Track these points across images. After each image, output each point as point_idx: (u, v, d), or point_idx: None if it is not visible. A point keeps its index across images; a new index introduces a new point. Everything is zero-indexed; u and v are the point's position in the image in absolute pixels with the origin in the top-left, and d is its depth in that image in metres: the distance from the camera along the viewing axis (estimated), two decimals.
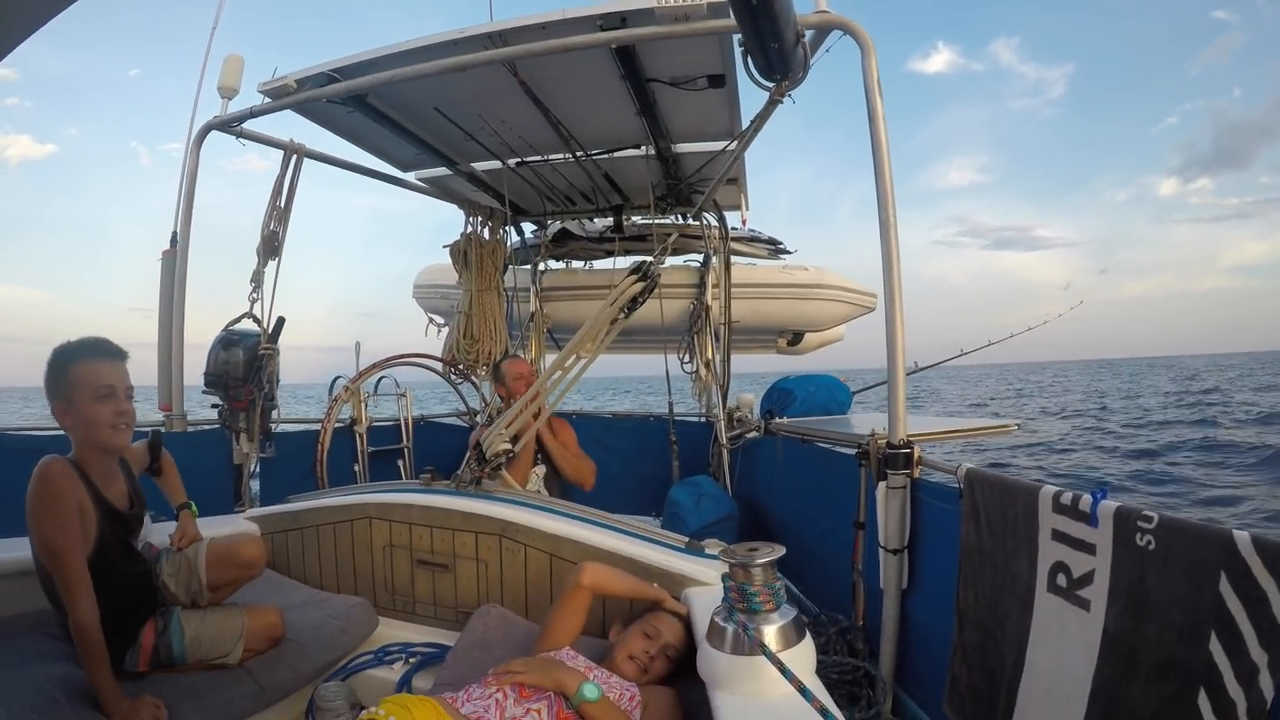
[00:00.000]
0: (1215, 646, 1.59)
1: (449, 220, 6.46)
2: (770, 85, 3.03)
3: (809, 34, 3.10)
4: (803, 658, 1.82)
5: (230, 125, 4.33)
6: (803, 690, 1.46)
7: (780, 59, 2.46)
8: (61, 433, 2.42)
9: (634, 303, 3.38)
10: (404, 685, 2.77)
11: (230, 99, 4.34)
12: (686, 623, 2.45)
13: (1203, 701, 1.61)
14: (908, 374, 3.05)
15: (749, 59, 2.58)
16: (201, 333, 4.60)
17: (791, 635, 1.81)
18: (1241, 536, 1.56)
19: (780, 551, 1.85)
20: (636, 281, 3.33)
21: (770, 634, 1.77)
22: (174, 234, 4.46)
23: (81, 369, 2.35)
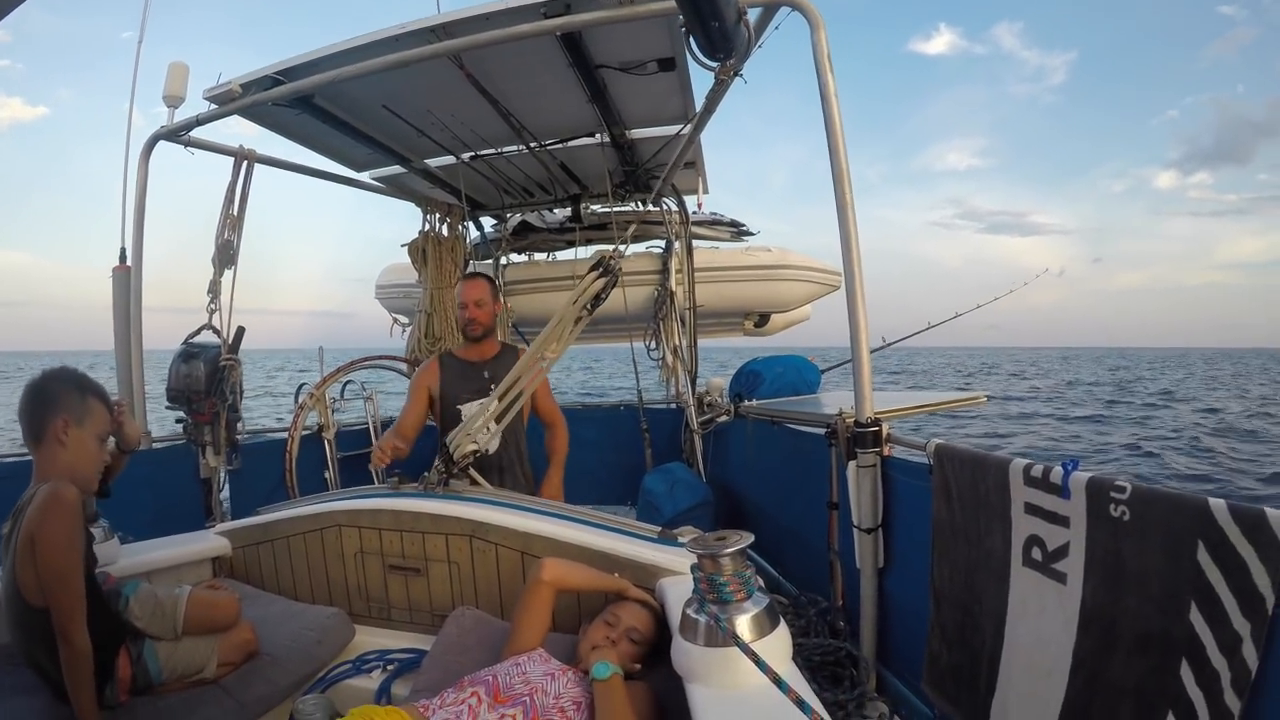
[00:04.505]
0: (1196, 617, 1.58)
1: None
2: (714, 65, 3.00)
3: (754, 12, 3.06)
4: (778, 645, 1.79)
5: (177, 134, 4.24)
6: (778, 681, 1.44)
7: (722, 38, 2.43)
8: (18, 460, 2.38)
9: (597, 299, 3.33)
10: (383, 693, 2.74)
11: (176, 108, 4.24)
12: (650, 607, 2.45)
13: (1185, 673, 1.60)
14: (875, 350, 3.04)
15: (692, 39, 2.55)
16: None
17: (765, 624, 1.79)
18: (1218, 504, 1.54)
19: (749, 539, 1.83)
20: (599, 278, 3.29)
21: (743, 624, 1.75)
22: (122, 250, 4.37)
23: (98, 406, 2.38)
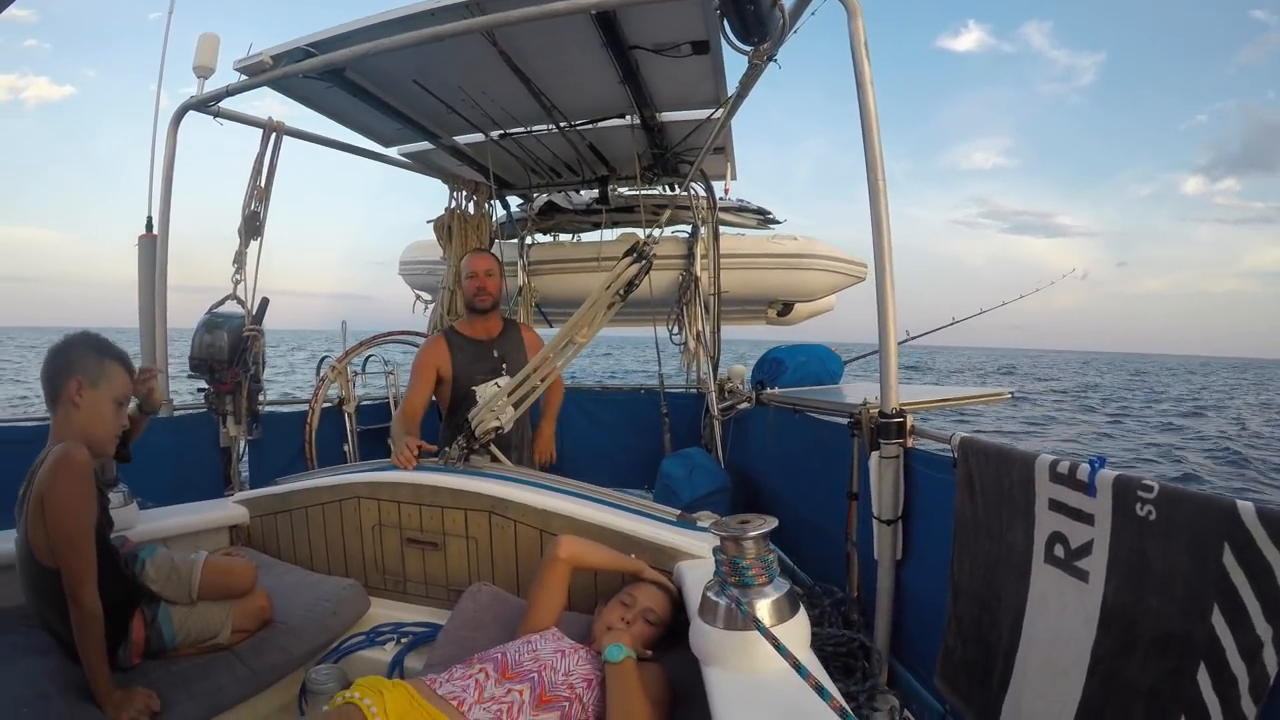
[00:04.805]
0: (1218, 620, 1.56)
1: None
2: (748, 50, 2.97)
3: None
4: (797, 631, 1.79)
5: (207, 105, 4.25)
6: (797, 666, 1.43)
7: (757, 22, 2.41)
8: (44, 425, 2.38)
9: (630, 285, 3.31)
10: (396, 666, 2.75)
11: (206, 78, 4.24)
12: (666, 589, 2.45)
13: (1202, 676, 1.58)
14: (900, 343, 3.02)
15: (726, 22, 2.53)
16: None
17: (785, 609, 1.78)
18: (1245, 507, 1.52)
19: (772, 523, 1.82)
20: (632, 264, 3.27)
21: (763, 608, 1.74)
22: (149, 219, 4.41)
23: (117, 370, 2.39)
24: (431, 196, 6.26)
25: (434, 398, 4.02)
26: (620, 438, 6.72)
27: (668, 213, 6.12)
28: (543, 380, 3.41)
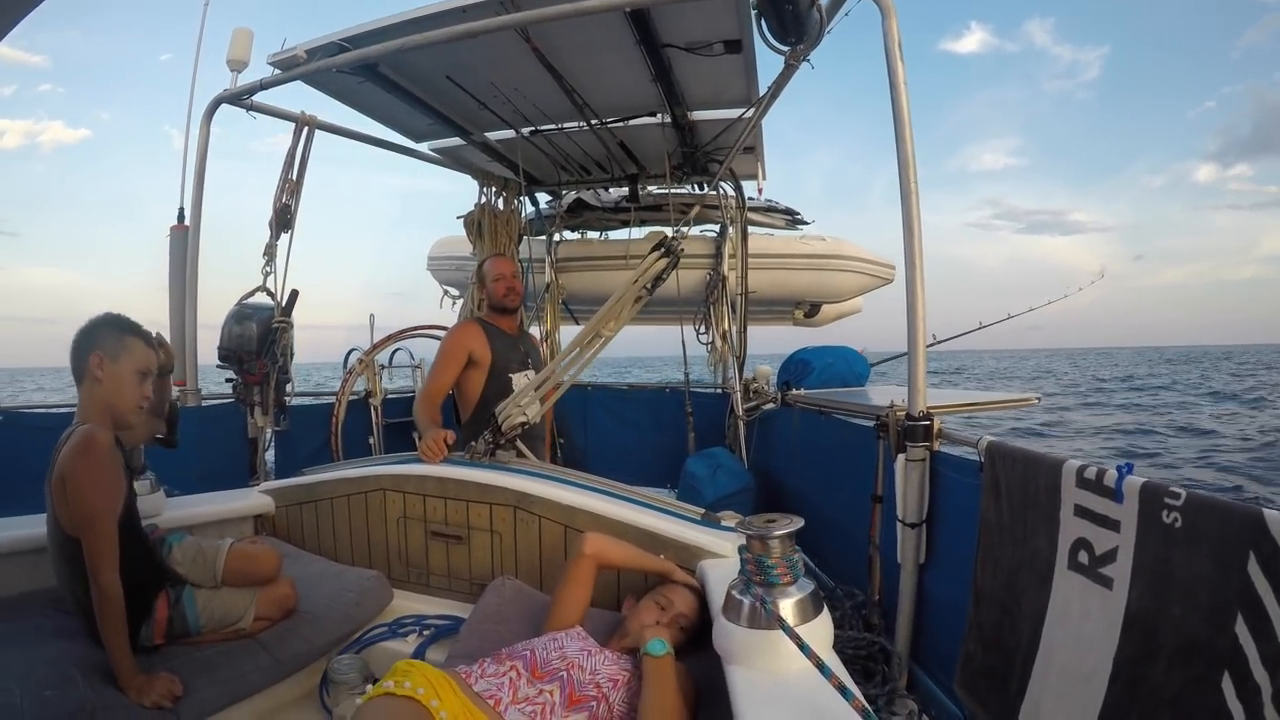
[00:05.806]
0: (1241, 629, 1.54)
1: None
2: (785, 50, 2.95)
3: None
4: (820, 632, 1.78)
5: (240, 98, 4.28)
6: (820, 666, 1.43)
7: (795, 22, 2.41)
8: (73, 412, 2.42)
9: (658, 280, 3.32)
10: (418, 657, 2.75)
11: (239, 72, 4.28)
12: (697, 593, 2.43)
13: (1226, 685, 1.56)
14: (928, 347, 3.00)
15: (763, 22, 2.52)
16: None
17: (809, 609, 1.78)
18: (1273, 515, 1.50)
19: (798, 523, 1.81)
20: (660, 258, 3.27)
21: (787, 607, 1.74)
22: (180, 210, 4.45)
23: (137, 344, 2.45)
24: (453, 213, 6.35)
25: (451, 393, 4.01)
26: (645, 436, 6.71)
27: (695, 209, 6.09)
28: (569, 375, 3.41)
